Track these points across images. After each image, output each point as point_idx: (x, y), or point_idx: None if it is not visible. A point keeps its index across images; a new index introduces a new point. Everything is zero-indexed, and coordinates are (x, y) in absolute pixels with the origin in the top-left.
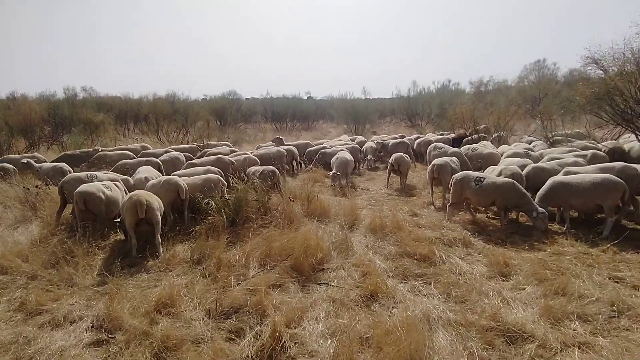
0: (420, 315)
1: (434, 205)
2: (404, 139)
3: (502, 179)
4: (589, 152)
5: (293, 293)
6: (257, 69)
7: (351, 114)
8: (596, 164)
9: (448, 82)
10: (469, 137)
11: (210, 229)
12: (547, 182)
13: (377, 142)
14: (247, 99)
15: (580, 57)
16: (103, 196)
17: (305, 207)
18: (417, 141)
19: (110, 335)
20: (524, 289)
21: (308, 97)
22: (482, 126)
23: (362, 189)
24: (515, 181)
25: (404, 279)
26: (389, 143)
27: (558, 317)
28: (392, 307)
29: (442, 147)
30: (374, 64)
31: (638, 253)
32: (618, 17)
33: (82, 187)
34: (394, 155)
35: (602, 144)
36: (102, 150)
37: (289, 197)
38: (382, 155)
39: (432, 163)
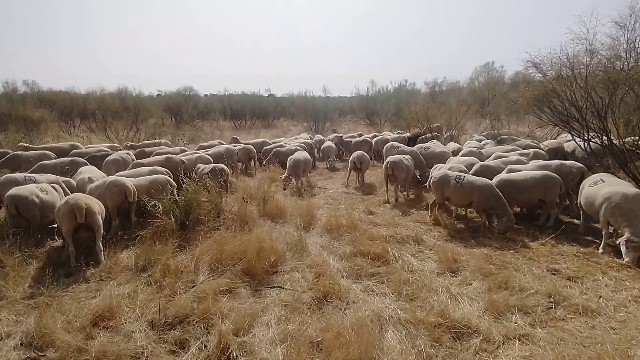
0: (371, 316)
1: (389, 203)
2: (365, 138)
3: (481, 179)
4: (531, 151)
5: (244, 298)
6: (216, 66)
7: (311, 112)
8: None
9: (405, 82)
10: (424, 136)
11: (158, 233)
12: (494, 179)
13: (335, 138)
14: (205, 95)
15: (522, 60)
16: (37, 200)
17: (261, 207)
18: (374, 140)
19: (40, 354)
20: (471, 284)
21: (269, 95)
22: (435, 125)
23: (320, 187)
24: (491, 183)
25: (358, 279)
26: (351, 141)
27: (501, 310)
28: (345, 309)
29: (399, 146)
30: (334, 62)
31: (573, 245)
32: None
33: (14, 190)
34: (356, 153)
35: (544, 143)
36: (24, 148)
37: (243, 198)
38: (343, 153)
39: (387, 160)
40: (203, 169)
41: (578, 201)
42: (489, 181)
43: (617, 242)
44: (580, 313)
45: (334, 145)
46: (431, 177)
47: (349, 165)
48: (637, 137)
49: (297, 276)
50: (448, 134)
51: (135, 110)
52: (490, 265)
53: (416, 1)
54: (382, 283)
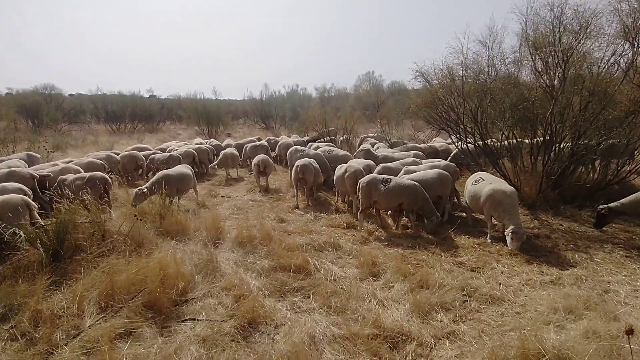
0: (305, 338)
1: (298, 208)
2: (262, 142)
3: (407, 181)
4: (412, 152)
5: (150, 340)
6: (84, 62)
7: (202, 114)
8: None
9: (297, 87)
10: (321, 139)
11: (21, 268)
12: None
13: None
14: (70, 95)
15: (411, 70)
16: None
17: (158, 224)
18: (278, 144)
19: None
20: (393, 286)
21: (150, 96)
22: (331, 128)
23: (222, 196)
24: (417, 183)
25: (282, 296)
26: (247, 146)
27: (426, 310)
28: (274, 334)
29: (304, 150)
30: (223, 64)
31: (468, 237)
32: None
33: None
34: (259, 157)
35: (427, 144)
36: None
37: (135, 215)
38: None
39: (296, 164)
40: (76, 179)
41: (463, 197)
42: (416, 182)
43: (505, 234)
44: (489, 302)
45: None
46: (359, 182)
47: (254, 170)
48: (501, 139)
49: (212, 302)
50: (343, 137)
51: None
52: (407, 265)
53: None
54: (309, 297)
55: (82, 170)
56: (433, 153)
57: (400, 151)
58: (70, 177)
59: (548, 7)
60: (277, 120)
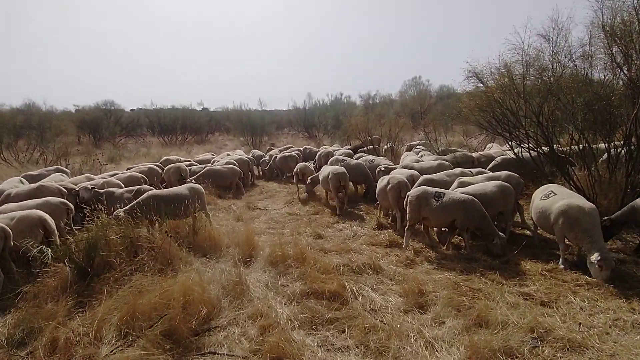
0: None
1: (339, 214)
2: (291, 152)
3: (461, 195)
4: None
5: None
6: (142, 79)
7: (247, 125)
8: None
9: (340, 95)
10: (364, 148)
11: (47, 287)
12: None
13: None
14: (131, 110)
15: (463, 70)
16: None
17: (191, 239)
18: (318, 154)
19: None
20: (444, 322)
21: (202, 109)
22: (375, 136)
23: (260, 208)
24: (475, 198)
25: (313, 329)
26: (277, 157)
27: (486, 356)
28: None
29: (344, 160)
30: (269, 75)
31: (535, 262)
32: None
33: None
34: (299, 165)
35: (481, 152)
36: None
37: (166, 231)
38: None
39: (332, 172)
40: (122, 194)
41: (530, 213)
42: (472, 197)
43: (588, 261)
44: (567, 349)
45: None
46: (407, 196)
47: (294, 178)
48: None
49: (236, 332)
50: (387, 145)
51: (41, 128)
52: (461, 297)
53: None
54: (343, 332)
55: (123, 185)
56: (488, 161)
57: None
58: (118, 190)
59: None
60: (320, 129)
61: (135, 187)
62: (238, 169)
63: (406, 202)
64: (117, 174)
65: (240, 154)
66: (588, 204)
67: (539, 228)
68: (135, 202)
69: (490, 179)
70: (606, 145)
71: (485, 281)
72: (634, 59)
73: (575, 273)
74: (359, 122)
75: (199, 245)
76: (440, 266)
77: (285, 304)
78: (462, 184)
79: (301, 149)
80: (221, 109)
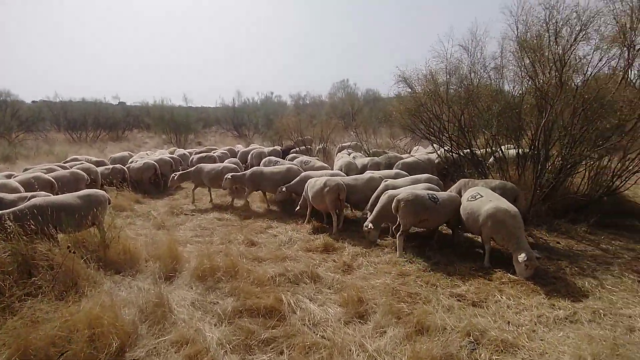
0: None
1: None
2: (208, 153)
3: (452, 194)
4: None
5: None
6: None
7: (170, 122)
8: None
9: (271, 94)
10: (297, 148)
11: None
12: (383, 197)
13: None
14: (33, 102)
15: (393, 74)
16: None
17: (102, 254)
18: (250, 154)
19: None
20: (385, 331)
21: (119, 103)
22: (307, 137)
23: (186, 214)
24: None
25: (249, 352)
26: (194, 158)
27: None
28: None
29: (278, 161)
30: (196, 70)
31: (463, 261)
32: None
33: None
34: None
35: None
36: None
37: (68, 245)
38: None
39: (327, 182)
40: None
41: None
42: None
43: (514, 261)
44: (502, 350)
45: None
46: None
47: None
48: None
49: None
50: (320, 146)
51: None
52: (400, 303)
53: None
54: (282, 354)
55: (22, 189)
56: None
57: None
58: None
59: (542, 5)
60: (250, 128)
61: (29, 194)
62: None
63: (396, 207)
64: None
65: (162, 152)
66: (513, 208)
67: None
68: (9, 210)
69: (413, 181)
70: (516, 149)
71: (420, 284)
72: (543, 71)
73: (500, 271)
74: (291, 122)
75: (111, 260)
76: (376, 270)
77: (215, 325)
78: (388, 187)
79: (224, 150)
80: (140, 104)
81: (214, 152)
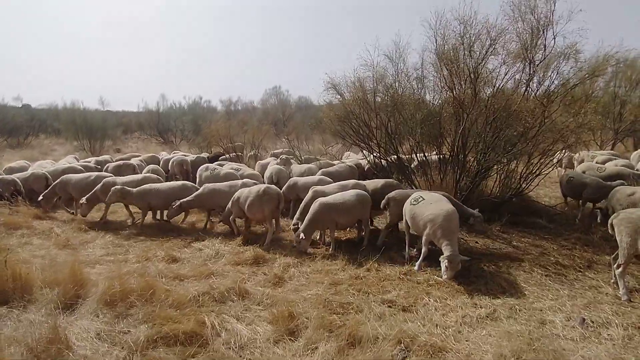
0: None
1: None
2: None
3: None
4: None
5: None
6: None
7: (83, 127)
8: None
9: (200, 99)
10: (226, 155)
11: None
12: (315, 205)
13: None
14: None
15: (323, 81)
16: None
17: None
18: (171, 161)
19: None
20: (317, 347)
21: (22, 105)
22: (238, 144)
23: (96, 230)
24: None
25: None
26: (108, 166)
27: None
28: None
29: (215, 169)
30: (116, 71)
31: (392, 266)
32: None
33: None
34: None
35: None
36: None
37: None
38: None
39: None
40: None
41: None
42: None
43: (440, 260)
44: (431, 354)
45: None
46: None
47: None
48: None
49: None
50: (251, 152)
51: None
52: (332, 315)
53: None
54: None
55: None
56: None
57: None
58: None
59: (457, 20)
60: (176, 134)
61: None
62: None
63: (384, 204)
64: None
65: (70, 161)
66: (450, 207)
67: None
68: None
69: (342, 187)
70: (438, 155)
71: (352, 292)
72: (460, 82)
73: (427, 273)
74: (221, 127)
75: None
76: (308, 281)
77: (124, 359)
78: (317, 194)
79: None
80: (48, 107)
81: (133, 160)
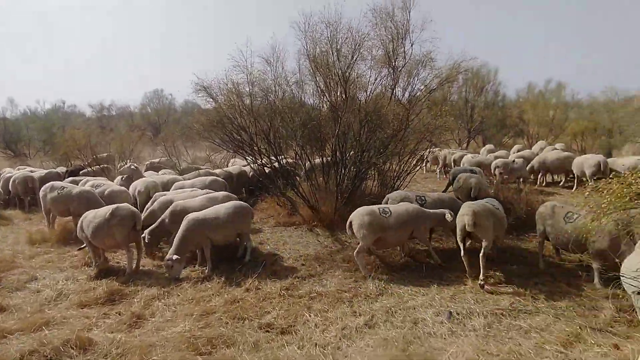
0: None
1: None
2: None
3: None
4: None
5: None
6: None
7: None
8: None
9: (62, 104)
10: (89, 169)
11: None
12: (185, 221)
13: None
14: None
15: (192, 83)
16: None
17: None
18: (12, 179)
19: None
20: None
21: None
22: (105, 155)
23: None
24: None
25: None
26: None
27: None
28: None
29: (64, 187)
30: None
31: (275, 281)
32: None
33: None
34: None
35: (224, 169)
36: None
37: None
38: None
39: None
40: None
41: None
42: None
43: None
44: None
45: None
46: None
47: None
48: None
49: None
50: (123, 164)
51: None
52: (195, 357)
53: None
54: None
55: None
56: (229, 178)
57: (190, 178)
58: None
59: (324, 23)
60: (30, 145)
61: None
62: None
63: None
64: None
65: None
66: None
67: None
68: None
69: (210, 200)
70: (321, 159)
71: (226, 321)
72: (331, 86)
73: (308, 284)
74: (80, 135)
75: None
76: (175, 315)
77: None
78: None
79: None
80: None
81: None
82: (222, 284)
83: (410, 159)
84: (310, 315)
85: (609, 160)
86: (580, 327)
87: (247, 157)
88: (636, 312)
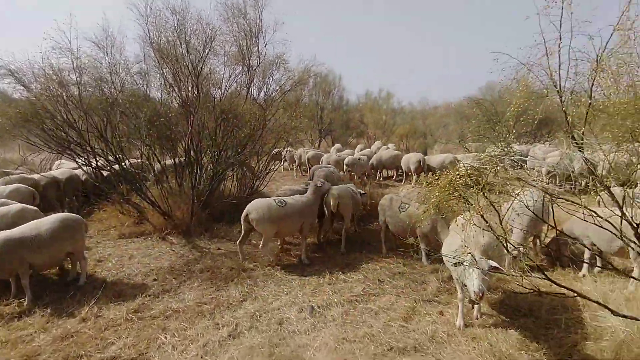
0: None
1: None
2: None
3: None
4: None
5: None
6: None
7: None
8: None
9: None
10: None
11: None
12: None
13: None
14: None
15: None
16: None
17: None
18: None
19: None
20: None
21: None
22: None
23: None
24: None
25: None
26: None
27: None
28: None
29: None
30: None
31: (120, 304)
32: None
33: None
34: None
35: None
36: None
37: None
38: None
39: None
40: None
41: None
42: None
43: None
44: None
45: None
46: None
47: None
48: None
49: None
50: None
51: None
52: None
53: None
54: None
55: None
56: (54, 184)
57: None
58: None
59: (169, 10)
60: None
61: None
62: None
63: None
64: None
65: None
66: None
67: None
68: None
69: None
70: (173, 160)
71: None
72: (181, 80)
73: (163, 302)
74: None
75: None
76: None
77: None
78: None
79: None
80: None
81: None
82: (47, 317)
83: (267, 159)
84: (166, 337)
85: (426, 157)
86: (415, 301)
87: (77, 159)
88: (453, 281)
